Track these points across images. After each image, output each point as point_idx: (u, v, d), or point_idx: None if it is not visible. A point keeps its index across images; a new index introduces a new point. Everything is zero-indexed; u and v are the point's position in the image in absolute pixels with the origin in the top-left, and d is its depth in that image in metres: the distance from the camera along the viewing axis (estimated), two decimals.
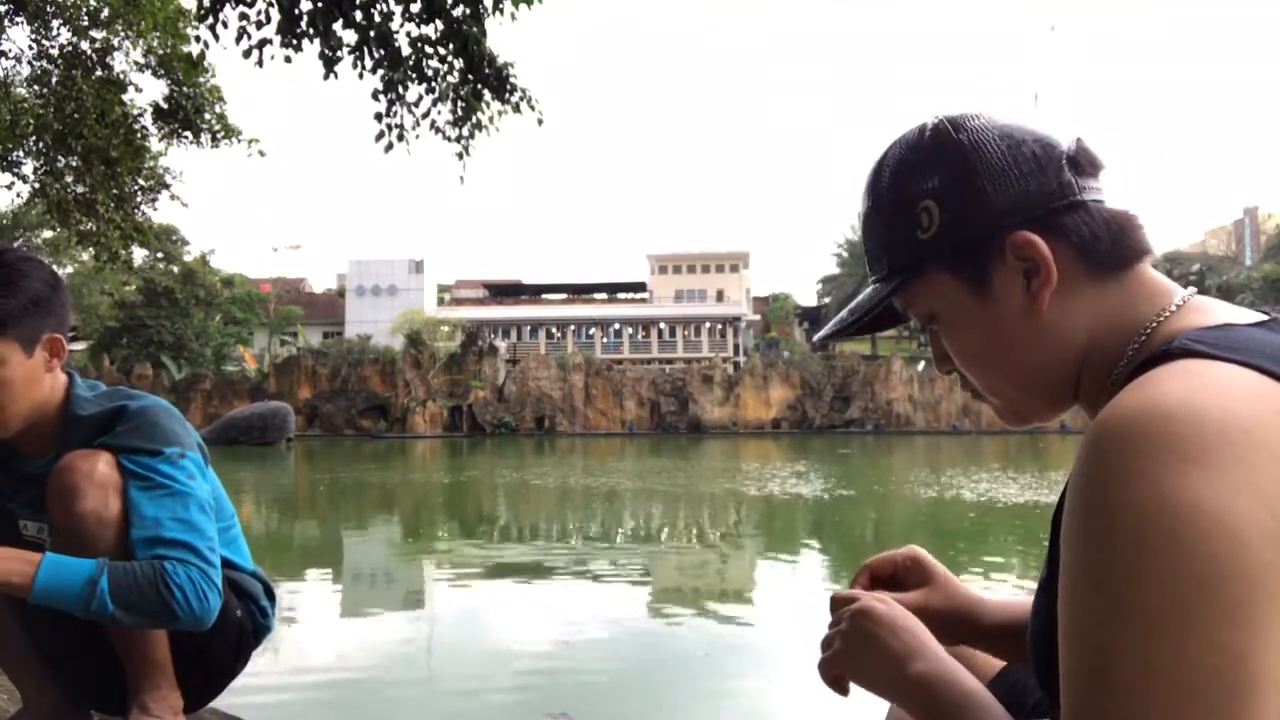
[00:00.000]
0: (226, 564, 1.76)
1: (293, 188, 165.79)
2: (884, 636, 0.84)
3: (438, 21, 6.05)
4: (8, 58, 9.04)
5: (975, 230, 0.77)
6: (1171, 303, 0.75)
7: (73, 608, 1.44)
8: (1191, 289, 0.77)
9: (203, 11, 5.83)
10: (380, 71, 6.15)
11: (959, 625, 0.99)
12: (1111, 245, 0.76)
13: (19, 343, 1.54)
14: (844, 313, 0.90)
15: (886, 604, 0.87)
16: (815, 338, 0.96)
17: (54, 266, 1.62)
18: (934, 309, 0.82)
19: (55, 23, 8.96)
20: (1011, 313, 0.77)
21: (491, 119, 6.59)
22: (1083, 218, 0.75)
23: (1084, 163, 0.77)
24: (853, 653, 0.86)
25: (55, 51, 9.05)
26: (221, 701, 1.95)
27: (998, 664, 1.08)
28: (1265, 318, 0.71)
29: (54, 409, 1.64)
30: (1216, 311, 0.74)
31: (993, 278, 0.77)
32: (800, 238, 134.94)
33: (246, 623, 1.80)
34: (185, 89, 9.35)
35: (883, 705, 1.13)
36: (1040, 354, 0.77)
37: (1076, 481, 0.62)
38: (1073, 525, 0.61)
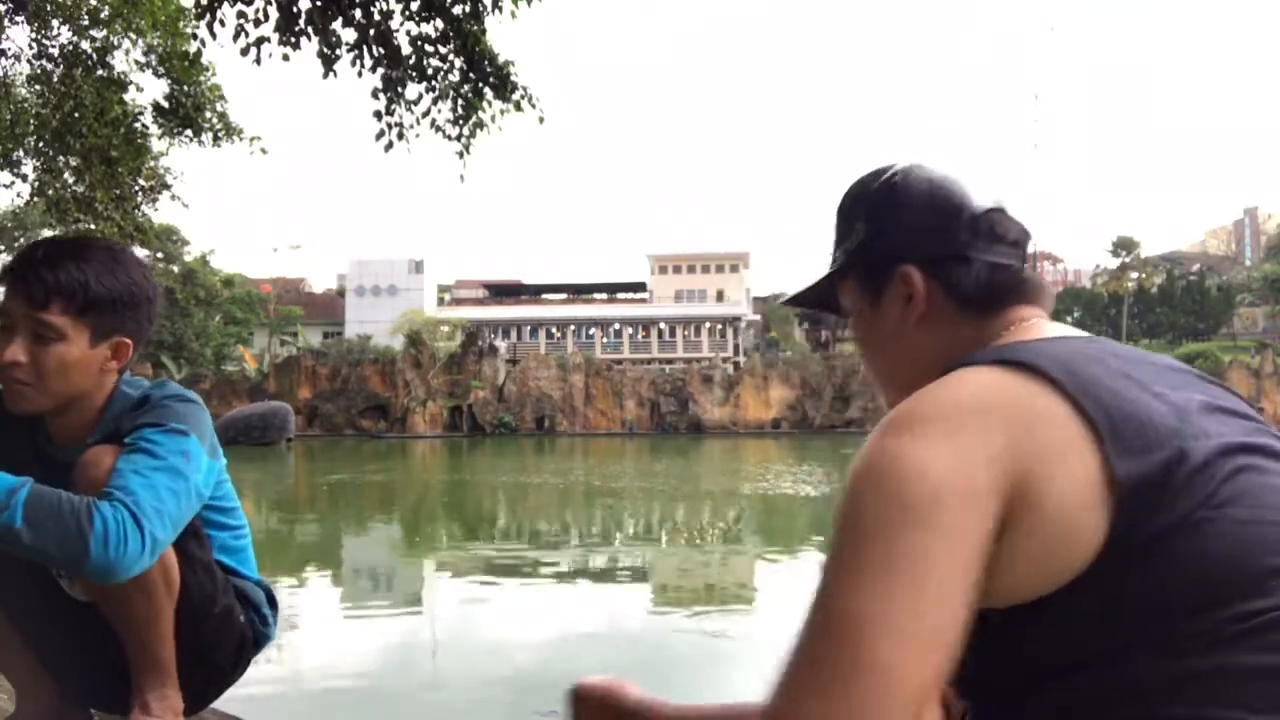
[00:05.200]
0: (233, 571, 1.78)
1: (293, 188, 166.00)
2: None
3: (438, 19, 6.03)
4: (7, 57, 9.03)
5: (880, 254, 0.96)
6: (1005, 334, 0.91)
7: None
8: (1037, 322, 0.91)
9: (200, 9, 5.80)
10: (380, 70, 6.13)
11: None
12: (980, 294, 0.93)
13: (89, 330, 1.53)
14: (802, 288, 1.10)
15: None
16: (780, 301, 1.25)
17: None
18: (847, 305, 1.03)
19: (55, 21, 8.93)
20: (889, 325, 0.97)
21: (493, 118, 6.55)
22: (963, 270, 0.93)
23: (983, 229, 0.94)
24: None
25: (55, 50, 9.02)
26: (221, 701, 1.94)
27: None
28: (1075, 334, 0.88)
29: (97, 405, 1.63)
30: (1036, 333, 0.89)
31: (883, 294, 0.97)
32: (800, 238, 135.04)
33: (248, 630, 1.79)
34: (185, 87, 9.33)
35: None
36: (902, 362, 0.98)
37: None
38: None
